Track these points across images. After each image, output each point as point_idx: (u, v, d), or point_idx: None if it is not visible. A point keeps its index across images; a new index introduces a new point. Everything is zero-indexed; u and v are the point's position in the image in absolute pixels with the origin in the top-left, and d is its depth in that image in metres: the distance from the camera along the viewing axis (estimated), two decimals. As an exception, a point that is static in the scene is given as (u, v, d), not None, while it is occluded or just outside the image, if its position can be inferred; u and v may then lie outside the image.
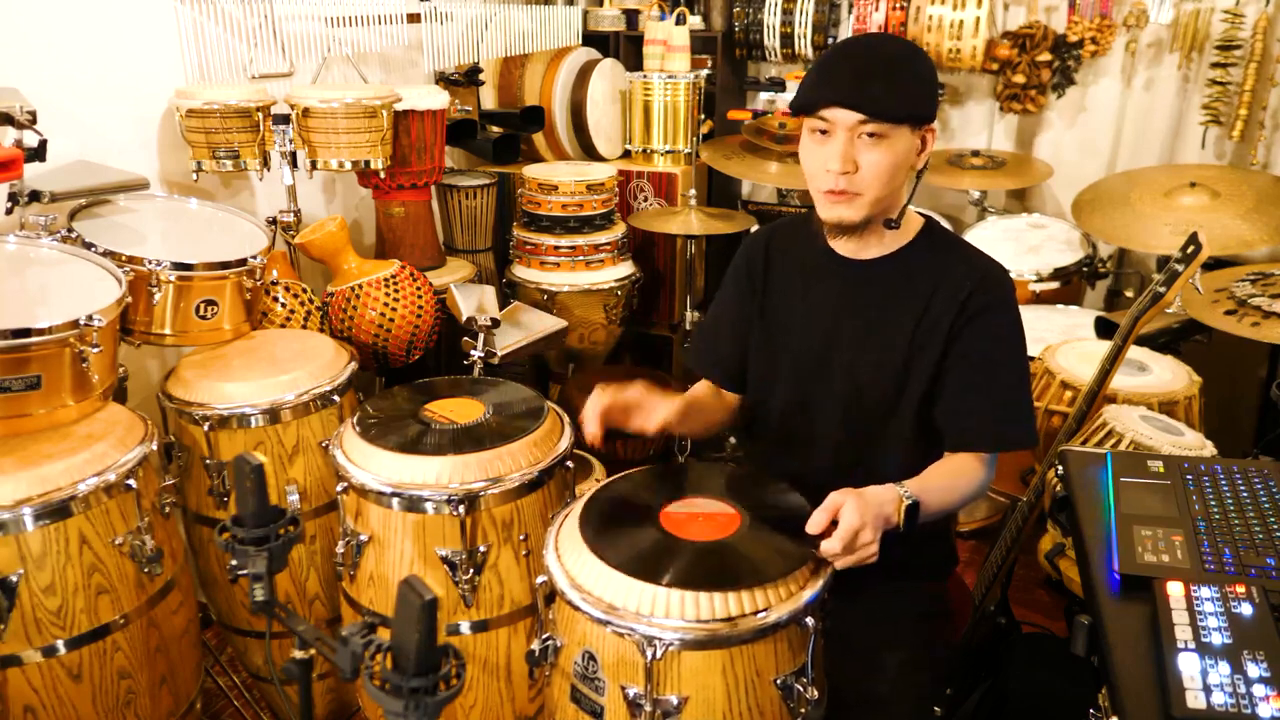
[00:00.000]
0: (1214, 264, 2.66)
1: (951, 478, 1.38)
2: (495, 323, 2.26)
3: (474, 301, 2.34)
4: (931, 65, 1.36)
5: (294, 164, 2.28)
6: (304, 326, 2.17)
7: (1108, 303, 3.40)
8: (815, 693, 1.18)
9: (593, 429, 1.37)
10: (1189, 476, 1.22)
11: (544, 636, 1.25)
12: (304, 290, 2.20)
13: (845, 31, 3.46)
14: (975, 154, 3.23)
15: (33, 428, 1.51)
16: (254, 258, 1.96)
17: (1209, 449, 1.86)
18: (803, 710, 1.17)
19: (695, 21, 3.51)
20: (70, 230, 1.80)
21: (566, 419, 1.75)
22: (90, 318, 1.51)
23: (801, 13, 3.40)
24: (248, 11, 2.36)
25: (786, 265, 1.51)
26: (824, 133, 1.31)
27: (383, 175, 2.39)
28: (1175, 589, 0.97)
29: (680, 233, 2.92)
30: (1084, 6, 3.14)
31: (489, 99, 3.33)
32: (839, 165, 1.30)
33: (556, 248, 2.90)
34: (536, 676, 1.28)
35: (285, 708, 1.96)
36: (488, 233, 3.01)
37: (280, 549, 1.15)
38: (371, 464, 1.58)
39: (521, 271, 2.96)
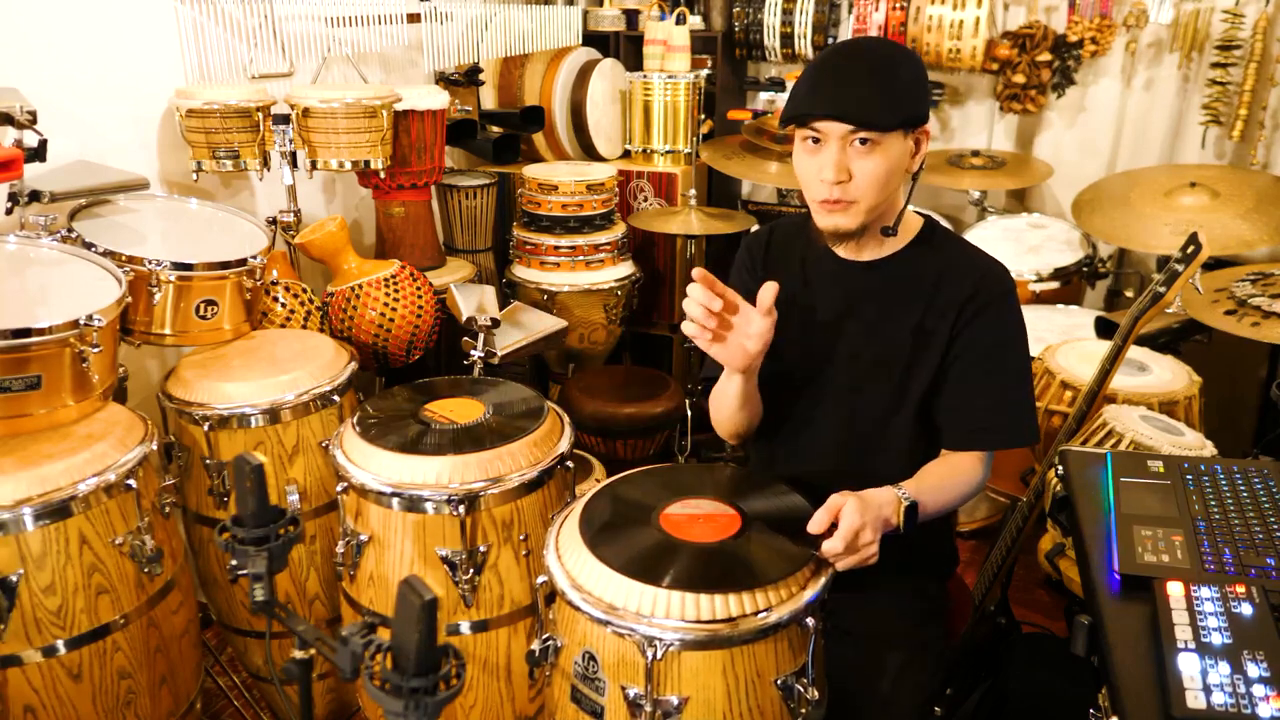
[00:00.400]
0: (1214, 264, 2.66)
1: (948, 477, 1.38)
2: (495, 323, 2.26)
3: (474, 301, 2.34)
4: (921, 66, 1.34)
5: (294, 164, 2.28)
6: (304, 326, 2.17)
7: (1108, 303, 3.41)
8: (815, 693, 1.18)
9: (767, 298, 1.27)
10: (1189, 476, 1.22)
11: (544, 637, 1.25)
12: (304, 290, 2.20)
13: (845, 31, 3.46)
14: (975, 154, 3.24)
15: (33, 428, 1.51)
16: (254, 258, 1.96)
17: (1209, 449, 1.86)
18: (803, 710, 1.17)
19: (695, 21, 3.51)
20: (70, 230, 1.80)
21: (566, 419, 1.75)
22: (90, 318, 1.51)
23: (801, 13, 3.40)
24: (248, 11, 2.36)
25: (787, 266, 1.51)
26: (816, 142, 1.31)
27: (383, 175, 2.39)
28: (1175, 589, 0.97)
29: (680, 233, 2.92)
30: (1084, 6, 3.14)
31: (489, 99, 3.33)
32: (832, 175, 1.29)
33: (556, 248, 2.90)
34: (536, 677, 1.28)
35: (285, 708, 1.96)
36: (488, 233, 3.01)
37: (280, 549, 1.15)
38: (371, 464, 1.58)
39: (521, 271, 2.96)
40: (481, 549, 1.58)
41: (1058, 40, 3.21)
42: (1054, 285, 3.02)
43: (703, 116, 3.42)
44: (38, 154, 1.70)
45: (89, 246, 1.77)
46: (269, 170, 2.25)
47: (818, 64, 1.32)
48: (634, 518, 1.27)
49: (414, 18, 2.81)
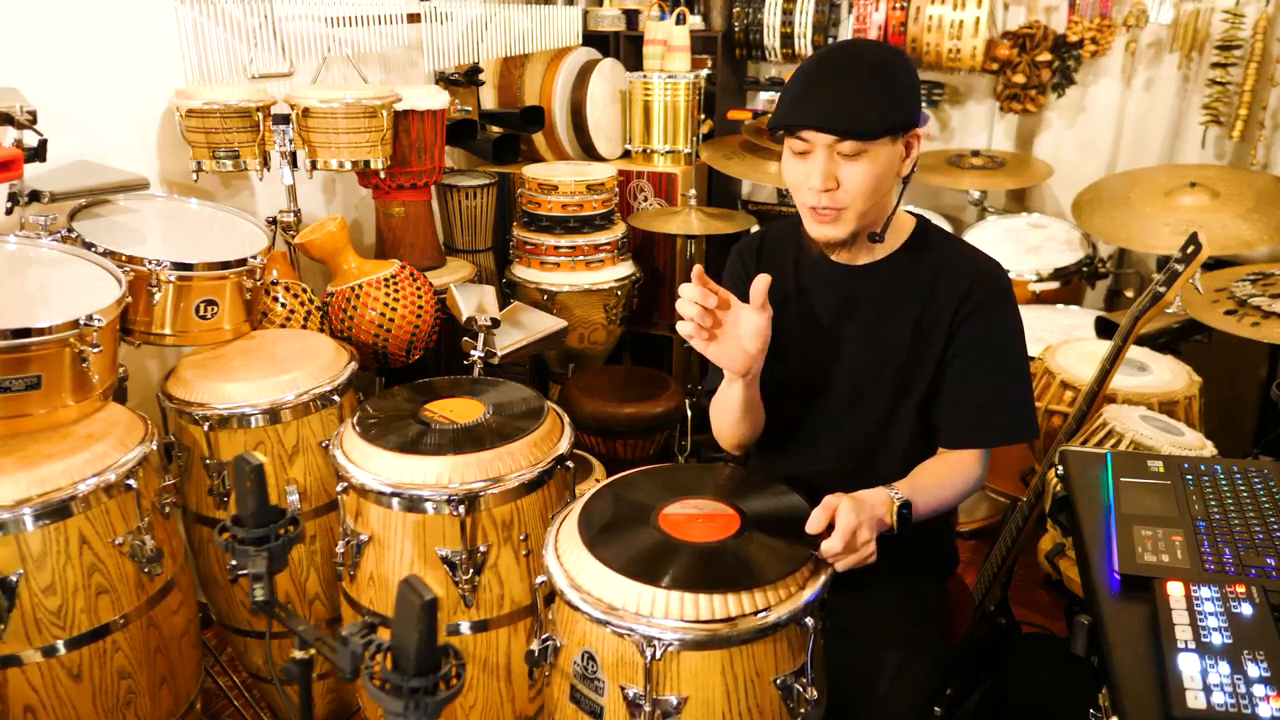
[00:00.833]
0: (1214, 264, 2.66)
1: (944, 476, 1.38)
2: (495, 323, 2.26)
3: (474, 301, 2.34)
4: (911, 69, 1.32)
5: (294, 164, 2.28)
6: (304, 326, 2.17)
7: (1108, 303, 3.41)
8: (815, 693, 1.18)
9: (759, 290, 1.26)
10: (1189, 476, 1.22)
11: (543, 637, 1.25)
12: (304, 290, 2.20)
13: (845, 31, 3.46)
14: (975, 154, 3.24)
15: (33, 428, 1.51)
16: (254, 258, 1.96)
17: (1209, 449, 1.86)
18: (802, 710, 1.17)
19: (695, 21, 3.51)
20: (70, 230, 1.80)
21: (566, 419, 1.75)
22: (90, 318, 1.51)
23: (801, 13, 3.39)
24: (248, 11, 2.36)
25: (781, 272, 1.47)
26: (804, 150, 1.29)
27: (383, 175, 2.39)
28: (1175, 589, 0.97)
29: (680, 233, 2.92)
30: (1084, 6, 3.14)
31: (489, 99, 3.33)
32: (820, 183, 1.28)
33: (556, 248, 2.90)
34: (536, 677, 1.28)
35: (285, 708, 1.96)
36: (488, 233, 3.01)
37: (280, 549, 1.15)
38: (371, 464, 1.58)
39: (521, 271, 2.96)
40: (481, 549, 1.58)
41: (1058, 40, 3.21)
42: (1054, 285, 3.02)
43: (703, 116, 3.42)
44: (38, 154, 1.70)
45: (89, 246, 1.77)
46: (269, 170, 2.25)
47: (804, 71, 1.30)
48: (633, 518, 1.27)
49: (414, 18, 2.81)
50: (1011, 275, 3.01)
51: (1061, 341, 2.39)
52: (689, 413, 2.86)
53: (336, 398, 1.88)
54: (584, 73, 3.25)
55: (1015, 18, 3.31)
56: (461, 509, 1.53)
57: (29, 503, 1.40)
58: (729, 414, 1.43)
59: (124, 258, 1.78)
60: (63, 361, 1.51)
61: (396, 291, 2.28)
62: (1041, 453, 2.17)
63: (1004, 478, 2.25)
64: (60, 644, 1.46)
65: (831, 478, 1.34)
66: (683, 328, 1.29)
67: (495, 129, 3.08)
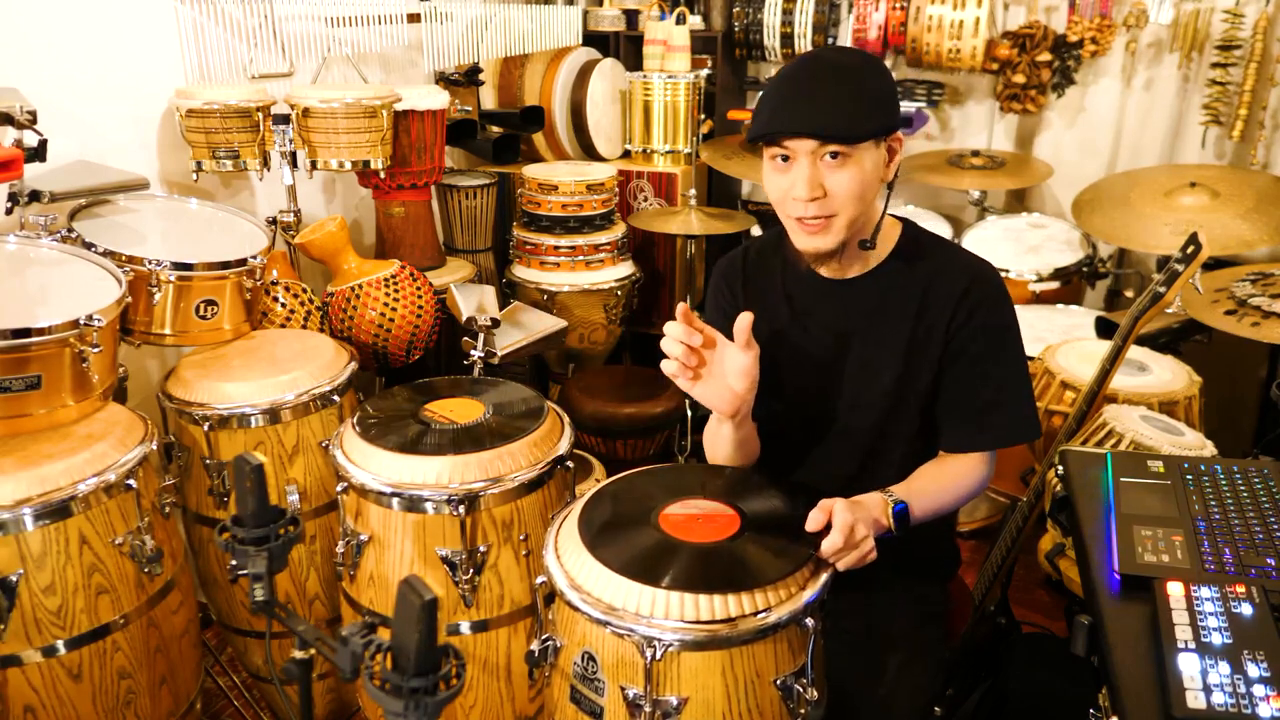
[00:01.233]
0: (1214, 264, 2.66)
1: (943, 478, 1.38)
2: (495, 323, 2.26)
3: (474, 301, 2.34)
4: (886, 73, 1.30)
5: (294, 164, 2.28)
6: (304, 326, 2.17)
7: (1108, 303, 3.41)
8: (815, 693, 1.18)
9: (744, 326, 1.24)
10: (1189, 476, 1.22)
11: (543, 637, 1.25)
12: (304, 290, 2.20)
13: (845, 31, 3.46)
14: (975, 154, 3.24)
15: (33, 428, 1.51)
16: (254, 258, 1.96)
17: (1209, 449, 1.86)
18: (802, 711, 1.17)
19: (695, 21, 3.51)
20: (70, 230, 1.80)
21: (566, 419, 1.75)
22: (90, 318, 1.51)
23: (801, 13, 3.39)
24: (248, 11, 2.36)
25: (769, 294, 1.46)
26: (785, 159, 1.26)
27: (383, 175, 2.39)
28: (1175, 589, 0.97)
29: (680, 233, 2.92)
30: (1084, 6, 3.14)
31: (489, 99, 3.33)
32: (805, 192, 1.25)
33: (556, 248, 2.90)
34: (536, 677, 1.28)
35: (285, 708, 1.96)
36: (488, 233, 3.01)
37: (280, 549, 1.15)
38: (371, 464, 1.58)
39: (521, 271, 2.96)
40: (481, 549, 1.58)
41: (1058, 40, 3.21)
42: (1054, 285, 3.02)
43: (703, 116, 3.42)
44: (38, 154, 1.70)
45: (89, 246, 1.77)
46: (269, 170, 2.25)
47: (780, 79, 1.28)
48: (633, 518, 1.27)
49: (414, 18, 2.81)
50: (1011, 275, 3.03)
51: (1061, 341, 2.39)
52: (689, 413, 2.86)
53: (336, 398, 1.88)
54: (584, 73, 3.25)
55: (1015, 18, 3.31)
56: (461, 509, 1.53)
57: (29, 503, 1.40)
58: (721, 449, 1.42)
59: (124, 258, 1.78)
60: (63, 361, 1.51)
61: (396, 291, 2.28)
62: (1041, 453, 2.17)
63: (1004, 478, 2.26)
64: (60, 644, 1.46)
65: (830, 488, 1.33)
66: (667, 367, 1.27)
67: (495, 129, 3.08)
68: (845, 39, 3.46)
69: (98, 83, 2.10)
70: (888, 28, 3.30)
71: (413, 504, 1.55)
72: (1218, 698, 0.83)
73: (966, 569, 1.93)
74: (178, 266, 1.84)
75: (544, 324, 2.54)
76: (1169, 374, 2.21)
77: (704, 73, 3.43)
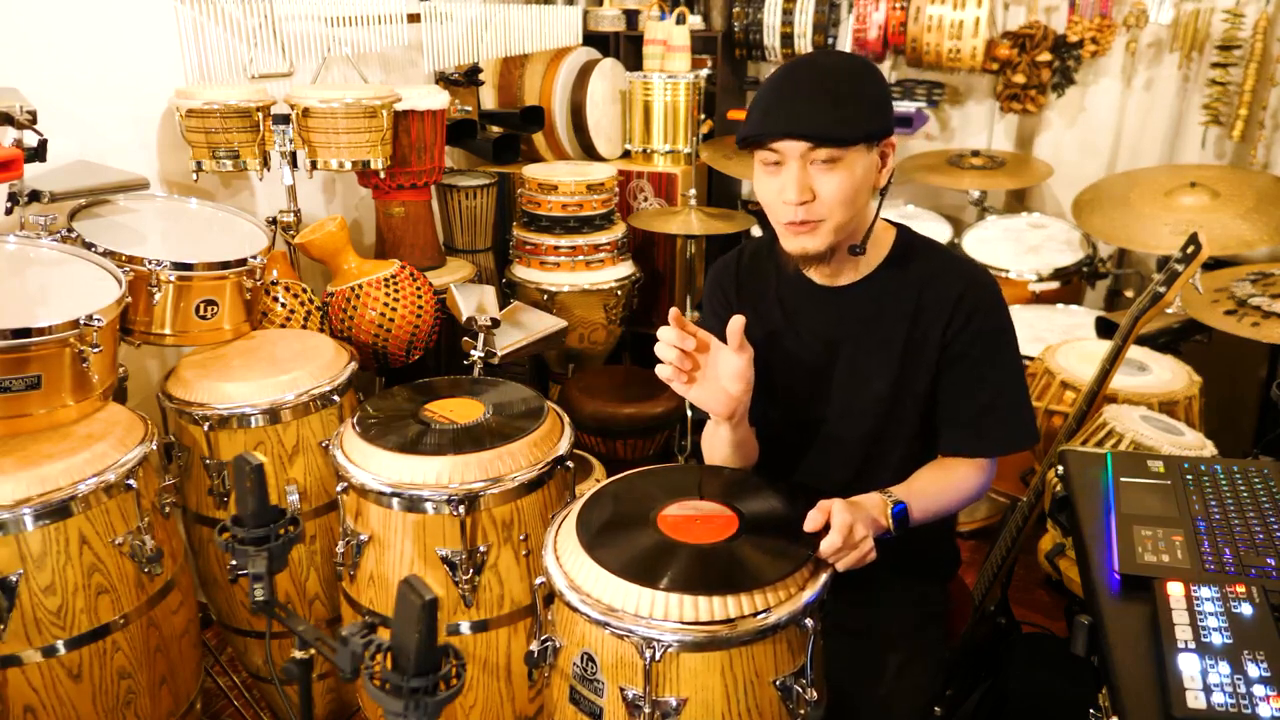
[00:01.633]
0: (1214, 264, 2.66)
1: (943, 480, 1.37)
2: (495, 323, 2.26)
3: (474, 301, 2.34)
4: (880, 77, 1.29)
5: (294, 164, 2.28)
6: (304, 326, 2.17)
7: (1108, 303, 3.41)
8: (814, 694, 1.18)
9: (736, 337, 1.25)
10: (1189, 476, 1.22)
11: (543, 638, 1.25)
12: (304, 290, 2.20)
13: (845, 31, 3.46)
14: (975, 154, 3.24)
15: (33, 428, 1.51)
16: (254, 258, 1.96)
17: (1209, 449, 1.86)
18: (802, 711, 1.17)
19: (695, 21, 3.51)
20: (70, 230, 1.80)
21: (566, 419, 1.75)
22: (90, 318, 1.51)
23: (801, 13, 3.39)
24: (248, 11, 2.36)
25: (762, 300, 1.45)
26: (776, 163, 1.26)
27: (383, 175, 2.39)
28: (1175, 589, 0.97)
29: (680, 233, 2.91)
30: (1084, 6, 3.14)
31: (489, 99, 3.33)
32: (795, 195, 1.24)
33: (556, 248, 2.90)
34: (535, 678, 1.28)
35: (285, 708, 1.96)
36: (488, 233, 3.01)
37: (280, 549, 1.15)
38: (371, 464, 1.58)
39: (521, 271, 2.96)
40: (481, 549, 1.59)
41: (1058, 40, 3.21)
42: (1054, 285, 3.02)
43: (703, 116, 3.42)
44: (38, 154, 1.70)
45: (89, 246, 1.77)
46: (269, 170, 2.25)
47: (771, 82, 1.27)
48: (632, 519, 1.27)
49: (414, 18, 2.81)
50: (1011, 275, 3.03)
51: (1061, 341, 2.39)
52: (689, 413, 2.86)
53: (336, 398, 1.88)
54: (584, 73, 3.25)
55: (1015, 18, 3.31)
56: (461, 509, 1.53)
57: (29, 503, 1.40)
58: (719, 451, 1.42)
59: (124, 258, 1.78)
60: (63, 361, 1.51)
61: (396, 291, 2.28)
62: (1041, 453, 2.17)
63: (1004, 478, 2.25)
64: (60, 644, 1.46)
65: (827, 491, 1.33)
66: (661, 371, 1.28)
67: (495, 129, 3.08)
68: (845, 39, 3.46)
69: (98, 83, 2.10)
70: (888, 28, 3.30)
71: (413, 504, 1.55)
72: (1218, 698, 0.83)
73: (966, 569, 1.93)
74: (178, 266, 1.84)
75: (544, 324, 2.54)
76: (1169, 374, 2.21)
77: (704, 73, 3.43)
